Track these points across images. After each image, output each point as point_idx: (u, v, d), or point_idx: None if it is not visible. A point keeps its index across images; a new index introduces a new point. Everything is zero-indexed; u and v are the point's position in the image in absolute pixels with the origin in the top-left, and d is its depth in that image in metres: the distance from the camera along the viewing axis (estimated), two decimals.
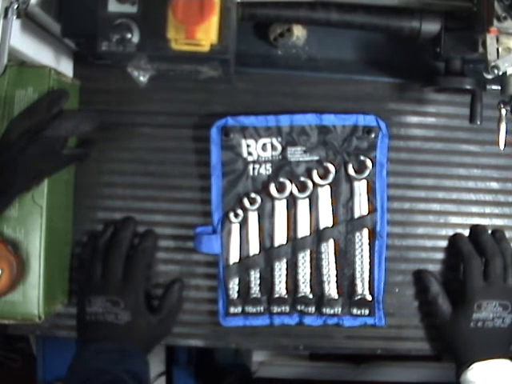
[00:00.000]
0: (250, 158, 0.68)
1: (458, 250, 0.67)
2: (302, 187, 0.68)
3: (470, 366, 0.62)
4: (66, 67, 0.68)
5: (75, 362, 0.62)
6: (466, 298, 0.64)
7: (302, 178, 0.68)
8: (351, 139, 0.68)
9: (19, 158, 0.57)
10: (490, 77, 0.53)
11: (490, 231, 0.69)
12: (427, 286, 0.67)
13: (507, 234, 0.70)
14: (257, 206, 0.68)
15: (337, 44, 0.69)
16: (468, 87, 0.60)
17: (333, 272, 0.68)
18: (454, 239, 0.68)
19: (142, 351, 0.64)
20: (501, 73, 0.53)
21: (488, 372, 0.61)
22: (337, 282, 0.68)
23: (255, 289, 0.68)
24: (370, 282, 0.68)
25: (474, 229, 0.69)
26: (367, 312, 0.68)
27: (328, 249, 0.68)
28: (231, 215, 0.67)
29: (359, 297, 0.68)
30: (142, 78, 0.57)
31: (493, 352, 0.63)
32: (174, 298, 0.68)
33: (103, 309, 0.64)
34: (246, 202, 0.68)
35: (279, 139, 0.68)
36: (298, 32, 0.68)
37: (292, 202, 0.68)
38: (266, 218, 0.68)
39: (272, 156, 0.68)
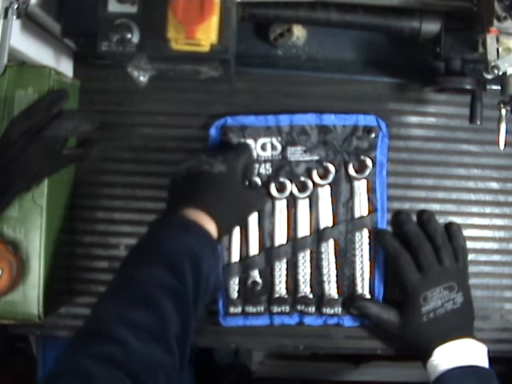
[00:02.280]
0: None
1: (384, 250, 0.67)
2: (302, 187, 0.68)
3: (432, 353, 0.62)
4: (66, 67, 0.68)
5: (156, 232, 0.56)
6: (410, 296, 0.64)
7: (302, 178, 0.68)
8: (351, 139, 0.68)
9: (19, 158, 0.57)
10: (489, 77, 0.53)
11: (416, 216, 0.69)
12: (365, 313, 0.66)
13: (508, 234, 0.70)
14: None
15: (337, 44, 0.69)
16: (468, 87, 0.60)
17: (333, 272, 0.68)
18: (378, 238, 0.67)
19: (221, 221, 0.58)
20: (501, 73, 0.53)
21: (450, 352, 0.61)
22: (337, 281, 0.68)
23: (255, 289, 0.68)
24: (370, 281, 0.68)
25: (399, 218, 0.68)
26: None
27: (328, 249, 0.68)
28: None
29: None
30: (142, 78, 0.57)
31: (452, 334, 0.62)
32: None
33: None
34: None
35: (279, 139, 0.68)
36: (298, 32, 0.68)
37: (292, 201, 0.68)
38: (266, 217, 0.68)
39: (272, 156, 0.68)
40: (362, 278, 0.68)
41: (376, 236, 0.67)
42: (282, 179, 0.68)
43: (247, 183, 0.67)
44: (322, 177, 0.68)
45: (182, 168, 0.61)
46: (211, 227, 0.57)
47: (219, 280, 0.57)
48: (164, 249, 0.52)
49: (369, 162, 0.67)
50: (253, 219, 0.68)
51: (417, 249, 0.65)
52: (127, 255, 0.54)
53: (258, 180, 0.68)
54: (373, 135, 0.68)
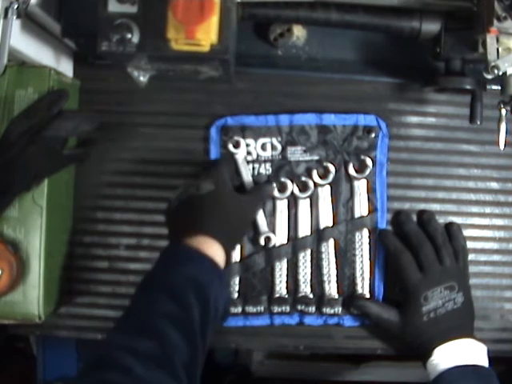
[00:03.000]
0: (249, 158, 0.68)
1: (386, 249, 0.67)
2: (303, 187, 0.68)
3: (431, 352, 0.62)
4: (66, 67, 0.68)
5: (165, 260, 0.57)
6: (410, 295, 0.64)
7: (303, 178, 0.68)
8: (351, 139, 0.68)
9: (19, 158, 0.57)
10: (489, 77, 0.53)
11: (416, 216, 0.69)
12: (365, 312, 0.66)
13: (508, 234, 0.70)
14: None
15: (337, 44, 0.69)
16: (468, 87, 0.60)
17: (333, 272, 0.68)
18: (380, 238, 0.67)
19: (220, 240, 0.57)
20: (501, 73, 0.53)
21: (450, 352, 0.61)
22: (337, 281, 0.68)
23: (255, 289, 0.68)
24: (370, 281, 0.68)
25: (399, 218, 0.68)
26: None
27: (328, 248, 0.68)
28: None
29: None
30: (142, 78, 0.57)
31: (452, 334, 0.63)
32: (265, 185, 0.67)
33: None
34: None
35: (279, 139, 0.68)
36: (298, 32, 0.68)
37: (293, 201, 0.68)
38: (266, 217, 0.68)
39: (272, 156, 0.68)
40: (362, 278, 0.68)
41: (378, 235, 0.68)
42: (283, 179, 0.68)
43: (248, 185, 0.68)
44: (322, 177, 0.68)
45: (173, 199, 0.62)
46: (215, 248, 0.57)
47: (228, 305, 0.58)
48: (168, 279, 0.53)
49: (369, 161, 0.67)
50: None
51: (417, 248, 0.65)
52: (137, 286, 0.54)
53: (250, 180, 0.68)
54: (373, 135, 0.68)
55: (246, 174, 0.68)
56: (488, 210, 0.70)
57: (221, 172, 0.63)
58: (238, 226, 0.61)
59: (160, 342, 0.47)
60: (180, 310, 0.50)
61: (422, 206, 0.70)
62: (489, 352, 0.63)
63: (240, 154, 0.67)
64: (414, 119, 0.70)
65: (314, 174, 0.68)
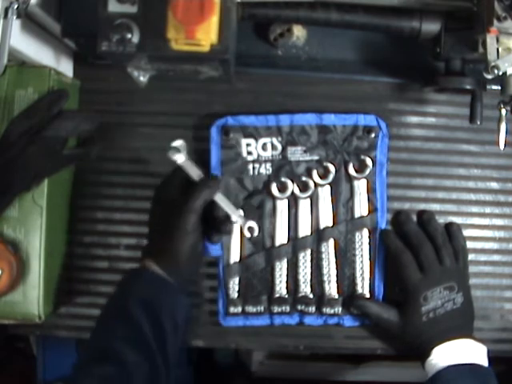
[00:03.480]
0: (249, 158, 0.68)
1: (386, 249, 0.67)
2: (303, 187, 0.68)
3: (430, 352, 0.62)
4: (66, 67, 0.68)
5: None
6: (410, 295, 0.64)
7: (304, 178, 0.68)
8: (351, 139, 0.68)
9: (19, 158, 0.57)
10: (489, 77, 0.53)
11: (416, 217, 0.69)
12: (365, 312, 0.66)
13: (508, 234, 0.70)
14: (257, 205, 0.68)
15: (337, 44, 0.69)
16: (468, 87, 0.60)
17: (333, 272, 0.68)
18: (381, 237, 0.68)
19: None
20: (501, 73, 0.53)
21: (448, 351, 0.61)
22: (337, 281, 0.68)
23: (255, 289, 0.68)
24: (370, 281, 0.68)
25: (399, 218, 0.69)
26: None
27: (328, 248, 0.68)
28: None
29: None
30: (142, 78, 0.57)
31: (451, 334, 0.63)
32: (205, 180, 0.61)
33: None
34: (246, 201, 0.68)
35: (279, 139, 0.68)
36: (298, 32, 0.68)
37: (293, 201, 0.68)
38: (266, 217, 0.68)
39: (272, 155, 0.68)
40: (362, 278, 0.68)
41: (379, 235, 0.68)
42: (283, 179, 0.68)
43: None
44: (322, 177, 0.68)
45: None
46: (153, 266, 0.58)
47: (189, 315, 0.60)
48: (122, 302, 0.57)
49: (369, 161, 0.67)
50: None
51: (417, 248, 0.65)
52: (100, 309, 0.58)
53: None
54: (373, 135, 0.68)
55: None
56: (488, 210, 0.70)
57: (162, 183, 0.62)
58: (170, 237, 0.58)
59: (119, 364, 0.52)
60: (133, 331, 0.54)
61: (422, 206, 0.70)
62: (489, 352, 0.63)
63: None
64: (414, 119, 0.70)
65: (314, 173, 0.68)
